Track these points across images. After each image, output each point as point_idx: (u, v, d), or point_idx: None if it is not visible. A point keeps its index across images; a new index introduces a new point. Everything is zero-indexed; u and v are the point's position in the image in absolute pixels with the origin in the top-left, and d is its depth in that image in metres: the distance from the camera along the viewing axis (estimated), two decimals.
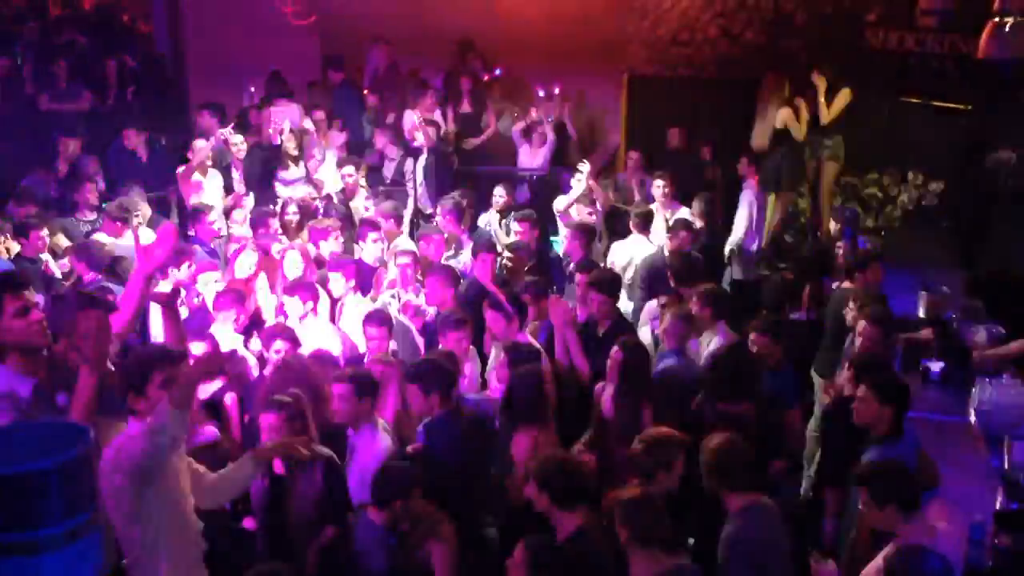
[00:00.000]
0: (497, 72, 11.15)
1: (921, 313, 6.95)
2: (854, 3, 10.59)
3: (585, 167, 8.46)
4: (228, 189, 9.23)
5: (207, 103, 10.24)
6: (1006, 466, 5.23)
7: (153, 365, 3.74)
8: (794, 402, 5.84)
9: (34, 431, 2.62)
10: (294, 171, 9.50)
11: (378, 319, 6.03)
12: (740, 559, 4.14)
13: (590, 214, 8.57)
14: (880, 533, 4.20)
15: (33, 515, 2.33)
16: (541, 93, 10.58)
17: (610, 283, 6.39)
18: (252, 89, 10.94)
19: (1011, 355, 6.31)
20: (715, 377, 5.20)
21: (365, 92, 11.37)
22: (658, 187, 8.67)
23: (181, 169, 8.96)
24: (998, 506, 4.89)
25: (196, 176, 8.94)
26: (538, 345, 5.87)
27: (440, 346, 5.92)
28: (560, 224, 8.57)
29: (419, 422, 5.22)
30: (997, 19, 8.05)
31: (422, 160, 9.69)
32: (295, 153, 9.48)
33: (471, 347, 6.13)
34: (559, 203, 8.61)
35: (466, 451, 5.04)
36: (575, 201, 8.49)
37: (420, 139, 9.61)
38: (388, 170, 10.24)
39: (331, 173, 9.57)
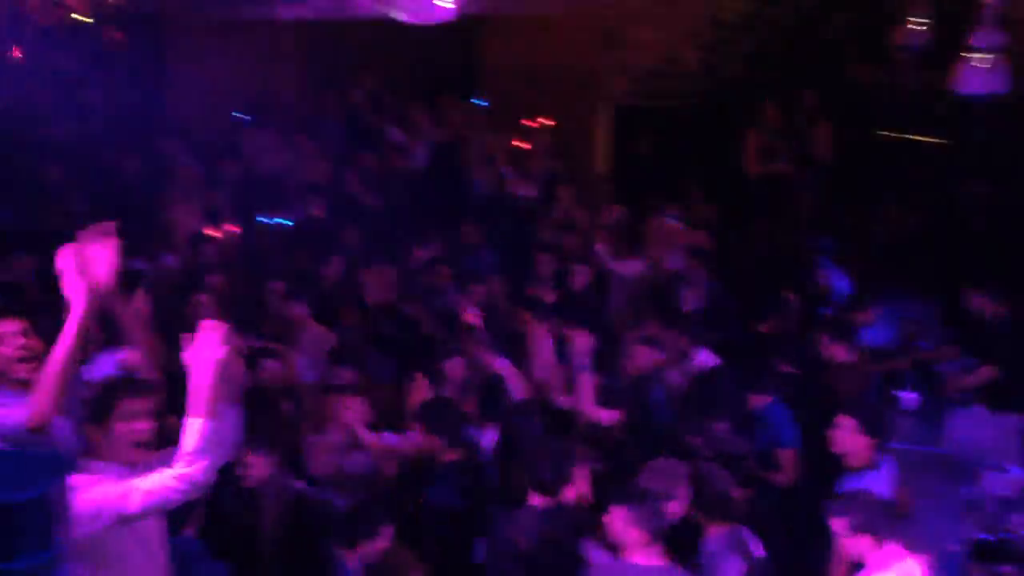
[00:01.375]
0: (483, 103, 11.22)
1: (896, 344, 7.04)
2: (832, 38, 10.74)
3: None
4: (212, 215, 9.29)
5: (176, 131, 10.39)
6: (978, 496, 5.31)
7: (118, 393, 3.47)
8: (788, 441, 5.53)
9: (12, 461, 2.59)
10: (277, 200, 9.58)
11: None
12: None
13: None
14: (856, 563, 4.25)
15: (11, 546, 2.32)
16: (530, 124, 10.68)
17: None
18: (240, 116, 10.97)
19: (980, 383, 6.39)
20: (686, 402, 5.29)
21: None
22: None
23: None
24: (971, 536, 4.95)
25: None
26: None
27: None
28: None
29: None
30: (970, 55, 8.23)
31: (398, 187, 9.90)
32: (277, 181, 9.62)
33: None
34: None
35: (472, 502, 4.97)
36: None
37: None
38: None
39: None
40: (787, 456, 5.50)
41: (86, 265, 3.57)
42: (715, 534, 4.35)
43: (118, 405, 3.44)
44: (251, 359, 5.76)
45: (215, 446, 3.41)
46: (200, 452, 3.35)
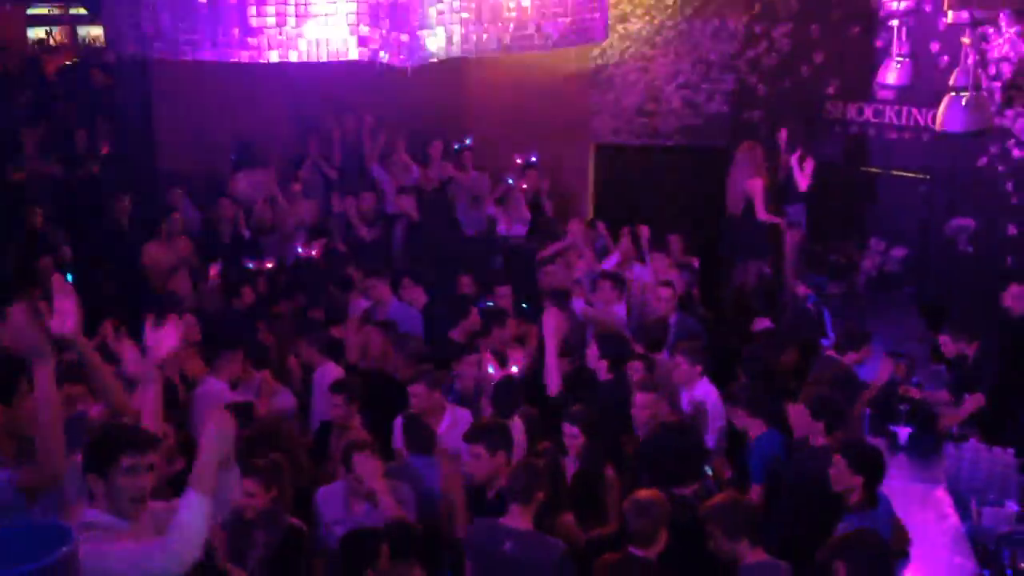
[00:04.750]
0: (467, 141, 11.26)
1: (886, 379, 7.04)
2: (813, 76, 10.88)
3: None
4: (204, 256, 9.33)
5: (178, 180, 10.41)
6: (975, 531, 5.30)
7: (123, 448, 3.38)
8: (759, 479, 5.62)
9: (14, 533, 2.47)
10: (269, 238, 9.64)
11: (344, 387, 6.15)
12: None
13: None
14: None
15: None
16: (519, 161, 10.69)
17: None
18: (233, 157, 10.99)
19: (969, 414, 6.45)
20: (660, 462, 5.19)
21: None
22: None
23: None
24: (969, 572, 4.93)
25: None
26: None
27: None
28: None
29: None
30: (953, 93, 8.36)
31: (399, 228, 9.90)
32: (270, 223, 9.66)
33: None
34: None
35: None
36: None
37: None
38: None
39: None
40: (755, 492, 5.56)
41: (50, 318, 3.68)
42: (748, 558, 4.35)
43: (121, 458, 3.37)
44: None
45: (210, 524, 3.36)
46: (195, 529, 3.28)
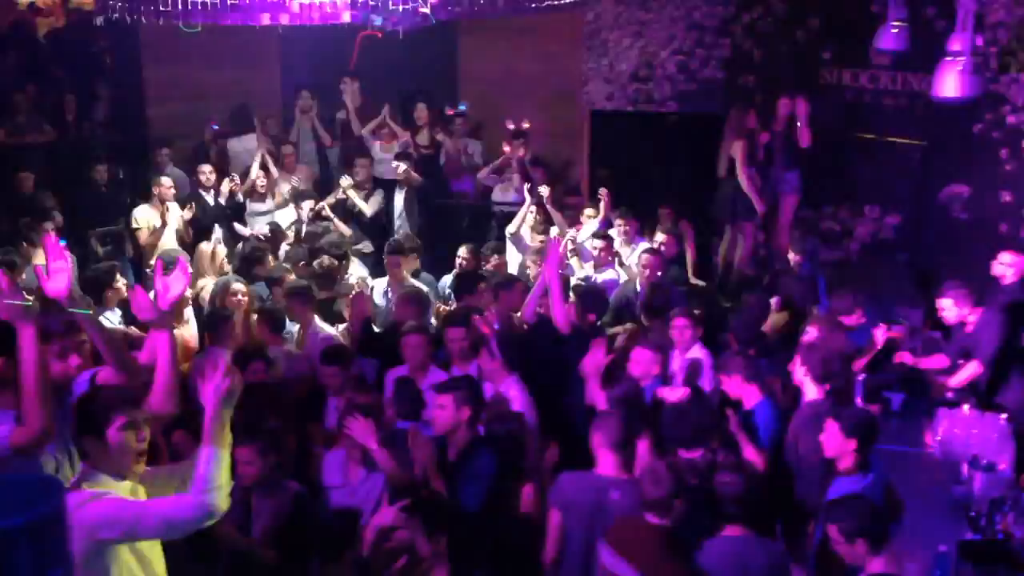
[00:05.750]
0: (461, 107, 11.16)
1: (880, 345, 7.06)
2: (809, 42, 10.81)
3: (545, 191, 8.87)
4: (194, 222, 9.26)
5: (165, 141, 10.34)
6: (968, 497, 5.33)
7: (116, 407, 3.47)
8: (763, 445, 5.52)
9: (2, 485, 2.46)
10: (262, 205, 9.56)
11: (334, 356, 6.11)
12: None
13: (542, 242, 8.63)
14: (848, 567, 4.24)
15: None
16: (511, 126, 10.60)
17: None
18: (216, 127, 10.90)
19: (964, 381, 6.47)
20: (676, 427, 5.23)
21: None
22: (618, 226, 8.84)
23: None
24: (961, 537, 4.96)
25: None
26: None
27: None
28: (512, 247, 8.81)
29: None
30: (949, 59, 8.29)
31: (399, 195, 9.79)
32: (263, 186, 9.60)
33: None
34: (511, 227, 8.94)
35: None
36: (523, 223, 8.89)
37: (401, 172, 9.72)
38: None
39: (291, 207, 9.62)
40: (757, 459, 5.50)
41: (41, 280, 3.73)
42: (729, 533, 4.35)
43: (115, 417, 3.43)
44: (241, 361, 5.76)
45: (229, 476, 3.41)
46: (217, 481, 3.34)
